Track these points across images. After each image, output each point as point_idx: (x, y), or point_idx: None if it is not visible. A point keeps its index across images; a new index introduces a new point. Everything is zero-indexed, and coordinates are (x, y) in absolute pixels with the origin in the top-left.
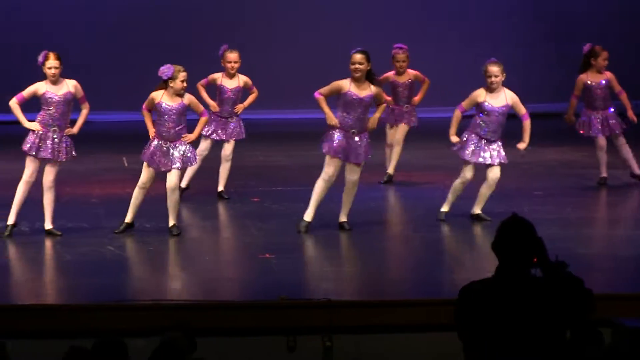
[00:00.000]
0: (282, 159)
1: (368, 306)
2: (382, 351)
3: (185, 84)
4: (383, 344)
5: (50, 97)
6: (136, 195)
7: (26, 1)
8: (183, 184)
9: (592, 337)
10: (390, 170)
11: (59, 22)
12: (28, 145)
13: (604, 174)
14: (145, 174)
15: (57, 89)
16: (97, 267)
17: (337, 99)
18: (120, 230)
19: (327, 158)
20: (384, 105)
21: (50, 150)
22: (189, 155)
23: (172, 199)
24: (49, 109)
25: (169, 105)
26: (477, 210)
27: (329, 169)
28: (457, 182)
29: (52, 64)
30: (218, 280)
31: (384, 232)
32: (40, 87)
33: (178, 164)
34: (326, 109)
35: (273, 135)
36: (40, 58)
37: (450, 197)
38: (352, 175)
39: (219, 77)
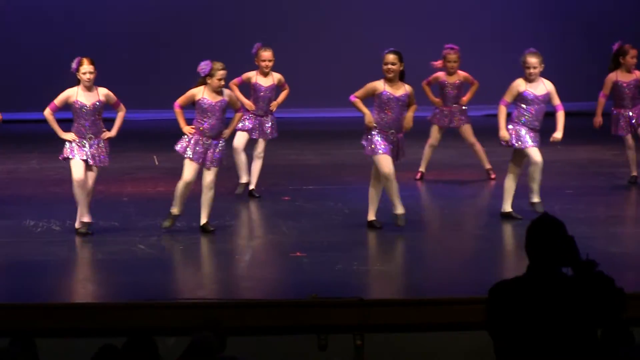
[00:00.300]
0: (313, 157)
1: (399, 304)
2: (413, 350)
3: (222, 82)
4: (414, 342)
5: (80, 107)
6: (182, 191)
7: (58, 1)
8: (252, 185)
9: (623, 336)
10: (487, 165)
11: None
12: (69, 152)
13: (634, 173)
14: (190, 169)
15: (88, 97)
16: (128, 266)
17: (373, 101)
18: (168, 225)
19: (378, 158)
20: (416, 106)
21: (90, 156)
22: (220, 152)
23: (207, 197)
24: (80, 120)
25: (212, 102)
26: (535, 198)
27: (385, 168)
28: (531, 169)
29: (86, 69)
30: (249, 278)
31: (416, 231)
32: (71, 95)
33: (215, 163)
34: (364, 108)
35: (304, 134)
36: (74, 64)
37: (534, 186)
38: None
39: (253, 75)
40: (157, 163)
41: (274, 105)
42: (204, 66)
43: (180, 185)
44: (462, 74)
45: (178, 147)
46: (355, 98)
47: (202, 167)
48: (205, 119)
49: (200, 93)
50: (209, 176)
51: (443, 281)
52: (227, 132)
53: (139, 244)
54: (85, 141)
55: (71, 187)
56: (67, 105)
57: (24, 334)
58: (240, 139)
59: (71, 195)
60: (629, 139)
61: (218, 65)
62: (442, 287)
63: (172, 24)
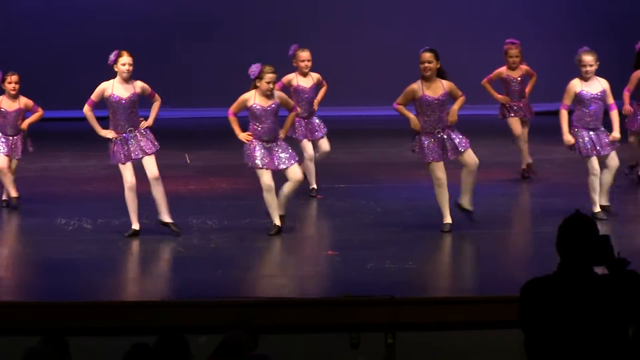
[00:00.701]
0: (345, 155)
1: (431, 303)
2: (444, 348)
3: (271, 85)
4: (446, 341)
5: (116, 101)
6: (270, 200)
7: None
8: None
9: None
10: (525, 164)
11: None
12: (117, 158)
13: None
14: (265, 176)
15: (123, 90)
16: (160, 264)
17: (414, 104)
18: (273, 233)
19: (430, 166)
20: (463, 98)
21: (138, 150)
22: (289, 154)
23: (280, 197)
24: (117, 115)
25: (264, 107)
26: (604, 201)
27: (437, 174)
28: (591, 178)
29: (125, 60)
30: (281, 277)
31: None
32: (107, 88)
33: (285, 164)
34: (408, 114)
35: (337, 132)
36: (112, 57)
37: (594, 195)
38: (468, 163)
39: (293, 77)
40: (188, 162)
41: (315, 103)
42: (254, 69)
43: (265, 195)
44: (524, 67)
45: (249, 163)
46: (398, 105)
47: (273, 169)
48: (259, 124)
49: (252, 99)
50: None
51: (475, 279)
52: (282, 133)
53: (171, 243)
54: (126, 135)
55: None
56: (102, 102)
57: (56, 332)
58: (307, 148)
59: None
60: None
61: (267, 68)
62: (474, 286)
63: (205, 23)
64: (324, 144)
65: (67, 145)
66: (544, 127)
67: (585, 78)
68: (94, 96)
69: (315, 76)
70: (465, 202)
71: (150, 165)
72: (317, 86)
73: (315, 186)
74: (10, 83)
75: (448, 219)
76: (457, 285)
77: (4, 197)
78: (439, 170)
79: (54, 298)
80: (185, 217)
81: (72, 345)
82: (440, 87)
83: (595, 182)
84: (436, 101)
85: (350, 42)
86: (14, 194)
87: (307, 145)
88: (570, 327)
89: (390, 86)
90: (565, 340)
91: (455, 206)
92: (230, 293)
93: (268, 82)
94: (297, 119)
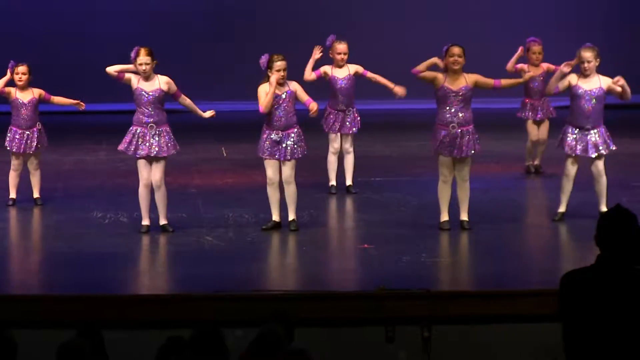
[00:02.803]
0: (383, 149)
1: (467, 296)
2: (481, 342)
3: (282, 73)
4: (482, 334)
5: (140, 94)
6: (271, 194)
7: None
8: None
9: None
10: (537, 161)
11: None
12: (125, 145)
13: None
14: (270, 169)
15: (148, 85)
16: (196, 258)
17: (435, 94)
18: (267, 227)
19: (439, 159)
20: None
21: (149, 147)
22: (298, 144)
23: (288, 191)
24: (140, 108)
25: (277, 94)
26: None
27: (443, 169)
28: (562, 179)
29: (142, 60)
30: (316, 270)
31: (484, 222)
32: (134, 79)
33: (292, 155)
34: (424, 63)
35: (372, 126)
36: (132, 54)
37: (562, 196)
38: (460, 170)
39: (328, 69)
40: (225, 155)
41: (399, 90)
42: (263, 59)
43: (268, 188)
44: (545, 66)
45: (258, 152)
46: (419, 71)
47: (283, 160)
48: (272, 112)
49: (266, 88)
50: (287, 170)
51: (511, 273)
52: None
53: (207, 236)
54: (147, 130)
55: (136, 178)
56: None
57: (92, 325)
58: (334, 141)
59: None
60: None
61: (275, 57)
62: (509, 279)
63: (237, 16)
64: (347, 142)
65: (103, 139)
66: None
67: (584, 75)
68: (126, 73)
69: (352, 68)
70: (465, 216)
71: (157, 169)
72: (354, 78)
73: (334, 183)
74: (17, 74)
75: (446, 217)
76: (492, 279)
77: (12, 196)
78: (446, 166)
79: (89, 291)
80: (221, 210)
81: (108, 338)
82: (462, 82)
83: (565, 183)
84: (454, 94)
85: (391, 35)
86: (13, 194)
87: (335, 139)
88: (608, 321)
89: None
90: (603, 335)
91: (461, 228)
92: (266, 286)
93: (278, 70)
94: (332, 110)
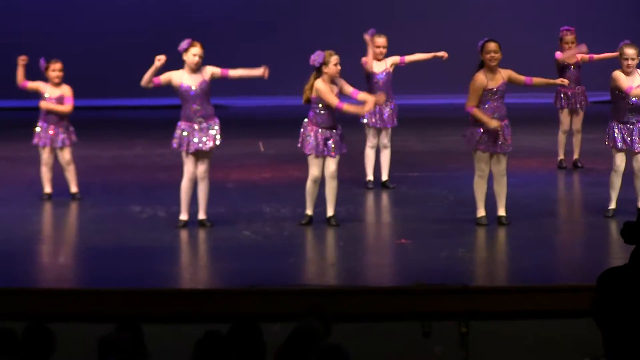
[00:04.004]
0: (419, 144)
1: (504, 292)
2: (518, 337)
3: (339, 67)
4: (519, 330)
5: (185, 90)
6: (311, 190)
7: None
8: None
9: None
10: (576, 155)
11: (199, 4)
12: (176, 143)
13: None
14: (315, 166)
15: (193, 79)
16: (233, 252)
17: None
18: (304, 223)
19: (476, 154)
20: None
21: (199, 142)
22: (341, 140)
23: (331, 187)
24: (187, 104)
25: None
26: None
27: (481, 164)
28: (611, 174)
29: (197, 51)
30: (353, 265)
31: (521, 218)
32: (175, 77)
33: (337, 152)
34: (484, 117)
35: (407, 121)
36: (183, 44)
37: (612, 193)
38: (498, 165)
39: (367, 62)
40: (262, 149)
41: (443, 53)
42: (315, 57)
43: (308, 183)
44: (579, 55)
45: (302, 149)
46: (473, 108)
47: (332, 156)
48: (319, 110)
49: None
50: (331, 166)
51: (548, 268)
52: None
53: (244, 231)
54: (195, 125)
55: (174, 173)
56: (170, 89)
57: (131, 319)
58: (371, 135)
59: (176, 181)
60: None
61: (329, 52)
62: (547, 274)
63: (282, 10)
64: (384, 137)
65: (140, 134)
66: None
67: (626, 72)
68: (162, 77)
69: (390, 61)
70: (502, 212)
71: (203, 161)
72: (392, 72)
73: (371, 178)
74: (54, 71)
75: (482, 212)
76: (530, 274)
77: (47, 190)
78: (484, 161)
79: (127, 285)
80: (258, 205)
81: (146, 332)
82: (499, 78)
83: (615, 179)
84: (492, 91)
85: (426, 30)
86: (48, 189)
87: (373, 133)
88: None
89: (465, 73)
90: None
91: (499, 223)
92: (303, 281)
93: (335, 65)
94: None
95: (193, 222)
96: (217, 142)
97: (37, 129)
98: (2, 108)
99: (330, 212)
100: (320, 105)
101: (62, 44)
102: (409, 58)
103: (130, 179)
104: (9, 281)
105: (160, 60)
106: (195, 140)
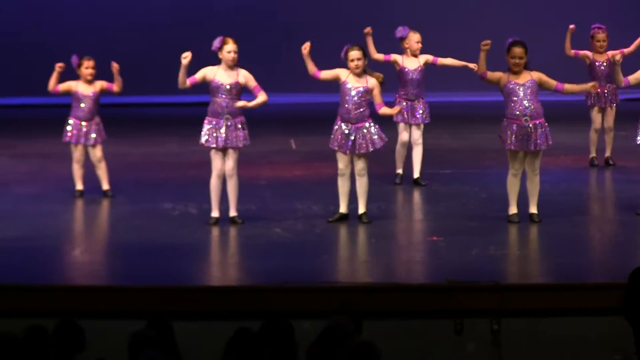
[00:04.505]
0: (449, 141)
1: (536, 289)
2: (550, 335)
3: (354, 64)
4: (551, 327)
5: (217, 86)
6: (340, 185)
7: None
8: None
9: None
10: (608, 153)
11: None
12: (205, 138)
13: None
14: (340, 160)
15: (227, 76)
16: (265, 249)
17: (501, 92)
18: (334, 219)
19: (510, 152)
20: (555, 82)
21: (224, 138)
22: (375, 137)
23: (360, 184)
24: (216, 99)
25: (353, 86)
26: None
27: (514, 163)
28: None
29: (232, 48)
30: (385, 262)
31: (553, 216)
32: (210, 72)
33: (363, 149)
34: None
35: (439, 118)
36: (216, 43)
37: None
38: (531, 163)
39: (400, 58)
40: (294, 147)
41: (475, 65)
42: (344, 49)
43: (338, 179)
44: (610, 53)
45: (330, 144)
46: (485, 74)
47: (354, 153)
48: (343, 103)
49: (345, 76)
50: (359, 162)
51: (580, 266)
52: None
53: (276, 228)
54: (222, 122)
55: (206, 170)
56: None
57: (162, 317)
58: (402, 131)
59: (208, 178)
60: None
61: (352, 47)
62: (578, 272)
63: (310, 7)
64: (416, 133)
65: (173, 131)
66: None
67: None
68: (197, 75)
69: (422, 58)
70: (534, 209)
71: (231, 158)
72: (425, 68)
73: (401, 171)
74: (87, 68)
75: (515, 209)
76: (562, 272)
77: (79, 187)
78: (518, 160)
79: (159, 282)
80: (290, 202)
81: (177, 329)
82: (527, 76)
83: None
84: (521, 86)
85: (457, 27)
86: (79, 186)
87: (404, 129)
88: None
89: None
90: None
91: (530, 221)
92: (335, 278)
93: (352, 61)
94: (402, 100)
95: (224, 219)
96: (247, 142)
97: (68, 127)
98: (33, 105)
99: (361, 209)
100: (346, 98)
101: (94, 42)
102: (441, 61)
103: (162, 176)
104: (40, 278)
105: (186, 57)
106: (223, 136)
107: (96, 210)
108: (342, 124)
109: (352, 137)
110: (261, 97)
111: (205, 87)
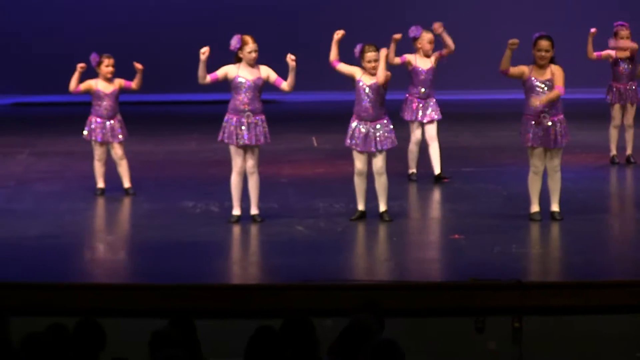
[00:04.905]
0: (472, 139)
1: (558, 287)
2: (571, 333)
3: (372, 64)
4: (573, 325)
5: (240, 83)
6: (358, 184)
7: None
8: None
9: None
10: (628, 150)
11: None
12: (225, 134)
13: None
14: (357, 159)
15: (249, 72)
16: (287, 247)
17: (522, 86)
18: (355, 218)
19: (530, 150)
20: (558, 92)
21: (247, 136)
22: (387, 135)
23: (379, 182)
24: (238, 96)
25: (367, 84)
26: None
27: (534, 160)
28: None
29: (253, 47)
30: (407, 260)
31: (574, 213)
32: (231, 71)
33: (382, 146)
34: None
35: (459, 116)
36: (234, 43)
37: None
38: (552, 161)
39: (412, 58)
40: (315, 145)
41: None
42: (357, 48)
43: (355, 178)
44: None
45: (346, 142)
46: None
47: (371, 152)
48: (360, 101)
49: (359, 74)
50: (377, 161)
51: (602, 264)
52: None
53: (297, 226)
54: (243, 119)
55: (228, 168)
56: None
57: (183, 315)
58: (415, 130)
59: (230, 176)
60: None
61: (367, 47)
62: (600, 270)
63: (329, 6)
64: (430, 130)
65: (194, 129)
66: None
67: None
68: (219, 72)
69: (433, 58)
70: (556, 207)
71: (251, 156)
72: (436, 66)
73: (414, 170)
74: (107, 66)
75: (536, 207)
76: (583, 269)
77: (100, 185)
78: (538, 157)
79: (180, 281)
80: (312, 200)
81: (199, 327)
82: (549, 73)
83: None
84: (541, 84)
85: (477, 25)
86: (101, 184)
87: (417, 128)
88: None
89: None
90: None
91: (552, 219)
92: (357, 276)
93: (369, 62)
94: (413, 99)
95: (246, 217)
96: (268, 140)
97: (92, 125)
98: (55, 103)
99: (382, 207)
100: (362, 96)
101: (114, 40)
102: (445, 49)
103: (183, 174)
104: (61, 276)
105: (204, 53)
106: (244, 134)
107: (117, 208)
108: (359, 123)
109: (370, 135)
110: (287, 87)
111: (225, 84)
